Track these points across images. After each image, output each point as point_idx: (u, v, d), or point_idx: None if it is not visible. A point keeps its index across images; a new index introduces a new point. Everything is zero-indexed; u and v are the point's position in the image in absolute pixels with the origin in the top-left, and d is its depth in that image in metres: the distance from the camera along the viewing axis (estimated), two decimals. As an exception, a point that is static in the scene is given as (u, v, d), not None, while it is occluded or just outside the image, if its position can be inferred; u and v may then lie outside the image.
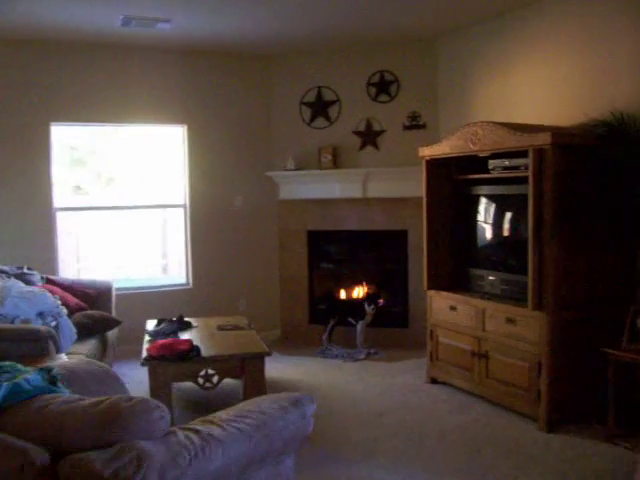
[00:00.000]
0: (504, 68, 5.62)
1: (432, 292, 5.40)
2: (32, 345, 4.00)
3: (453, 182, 5.34)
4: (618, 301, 4.43)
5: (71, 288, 5.66)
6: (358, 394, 5.27)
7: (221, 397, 5.03)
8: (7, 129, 6.06)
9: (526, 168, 4.36)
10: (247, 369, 4.57)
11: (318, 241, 7.09)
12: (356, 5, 5.23)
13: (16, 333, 4.11)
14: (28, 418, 1.99)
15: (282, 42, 6.45)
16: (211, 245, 6.91)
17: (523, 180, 4.42)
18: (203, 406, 4.98)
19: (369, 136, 6.74)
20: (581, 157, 4.30)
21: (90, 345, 5.01)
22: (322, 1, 5.11)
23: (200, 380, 4.56)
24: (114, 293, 6.01)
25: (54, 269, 6.24)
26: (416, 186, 5.73)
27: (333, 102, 6.84)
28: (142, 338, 5.07)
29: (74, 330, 4.73)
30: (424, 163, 5.31)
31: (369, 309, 6.40)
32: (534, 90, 5.28)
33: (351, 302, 6.81)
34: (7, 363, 2.39)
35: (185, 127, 6.76)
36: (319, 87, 6.85)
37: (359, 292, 6.89)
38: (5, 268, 5.38)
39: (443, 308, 5.28)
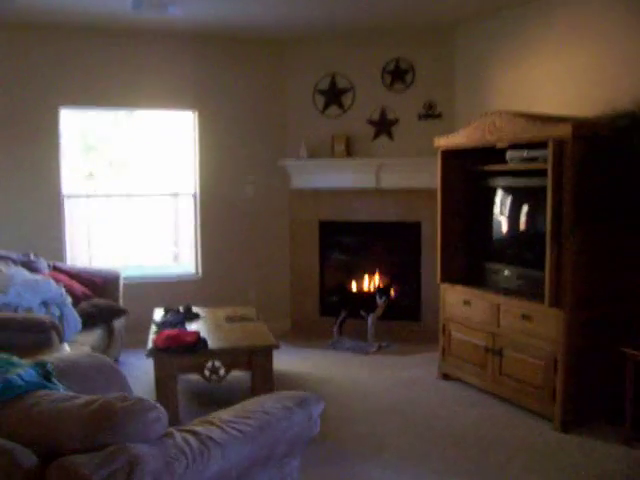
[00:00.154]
0: (522, 57, 5.45)
1: (445, 285, 5.28)
2: (35, 335, 3.91)
3: (469, 173, 5.20)
4: (638, 299, 4.28)
5: (78, 276, 5.59)
6: (368, 388, 5.16)
7: (228, 389, 4.94)
8: (16, 114, 5.98)
9: (545, 160, 4.22)
10: (255, 362, 4.47)
11: (330, 232, 6.97)
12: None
13: (19, 323, 4.02)
14: (19, 416, 1.89)
15: (294, 28, 6.31)
16: (221, 235, 6.81)
17: (541, 172, 4.28)
18: (209, 398, 4.90)
19: (383, 125, 6.61)
20: (602, 149, 4.15)
21: (96, 334, 4.94)
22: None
23: (206, 373, 4.47)
24: (122, 282, 5.93)
25: (62, 257, 6.17)
26: (430, 177, 5.61)
27: (347, 90, 6.70)
28: (150, 327, 5.00)
29: (79, 320, 4.64)
30: (439, 154, 5.17)
31: (381, 301, 6.29)
32: (553, 80, 5.12)
33: (362, 294, 6.70)
34: (1, 355, 2.30)
35: (196, 113, 6.65)
36: (333, 74, 6.71)
37: (371, 284, 6.78)
38: (11, 255, 5.31)
39: (456, 302, 5.16)
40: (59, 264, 5.75)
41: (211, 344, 4.47)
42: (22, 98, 5.98)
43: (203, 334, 4.60)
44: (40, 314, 4.22)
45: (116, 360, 5.72)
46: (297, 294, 7.09)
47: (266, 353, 4.49)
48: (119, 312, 5.35)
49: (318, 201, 6.87)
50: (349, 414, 4.60)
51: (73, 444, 1.76)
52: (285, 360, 5.71)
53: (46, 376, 2.18)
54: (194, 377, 4.81)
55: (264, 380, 4.47)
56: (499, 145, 4.67)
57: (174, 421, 4.31)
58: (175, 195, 7.06)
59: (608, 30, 4.65)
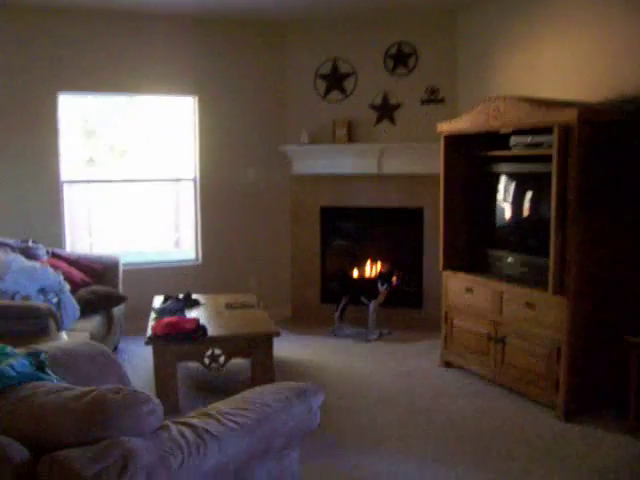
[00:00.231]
0: (527, 41, 5.36)
1: (448, 273, 5.22)
2: (32, 323, 3.86)
3: (472, 159, 5.13)
4: (643, 287, 4.23)
5: (77, 263, 5.53)
6: (369, 377, 5.12)
7: (228, 376, 4.91)
8: (13, 99, 5.90)
9: (549, 145, 4.15)
10: (255, 350, 4.43)
11: (331, 218, 6.90)
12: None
13: (15, 310, 3.97)
14: (11, 408, 1.84)
15: (295, 11, 6.22)
16: (221, 220, 6.75)
17: (546, 158, 4.21)
18: (209, 386, 4.87)
19: (385, 110, 6.52)
20: (608, 135, 4.08)
21: (95, 321, 4.89)
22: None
23: (206, 360, 4.43)
24: (121, 268, 5.87)
25: (61, 243, 6.11)
26: (433, 163, 5.53)
27: (349, 74, 6.62)
28: (150, 314, 4.95)
29: (77, 307, 4.59)
30: (442, 139, 5.10)
31: (382, 288, 6.24)
32: (558, 64, 5.02)
33: (364, 281, 6.65)
34: (-5, 345, 2.25)
35: (196, 98, 6.56)
36: (334, 58, 6.62)
37: (372, 271, 6.72)
38: (10, 241, 5.26)
39: (459, 290, 5.10)
40: (58, 250, 5.69)
41: (211, 331, 4.43)
42: (20, 83, 5.90)
43: (203, 321, 4.56)
44: (37, 302, 4.17)
45: (116, 347, 5.69)
46: (298, 281, 7.04)
47: (266, 341, 4.45)
48: (118, 299, 5.30)
49: (319, 187, 6.80)
50: (349, 403, 4.55)
51: (66, 438, 1.71)
52: (286, 347, 5.67)
53: (39, 366, 2.13)
54: (194, 364, 4.77)
55: (264, 368, 4.44)
56: (503, 130, 4.60)
57: (173, 409, 4.29)
58: (176, 180, 7.00)
59: (613, 15, 4.55)
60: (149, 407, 1.75)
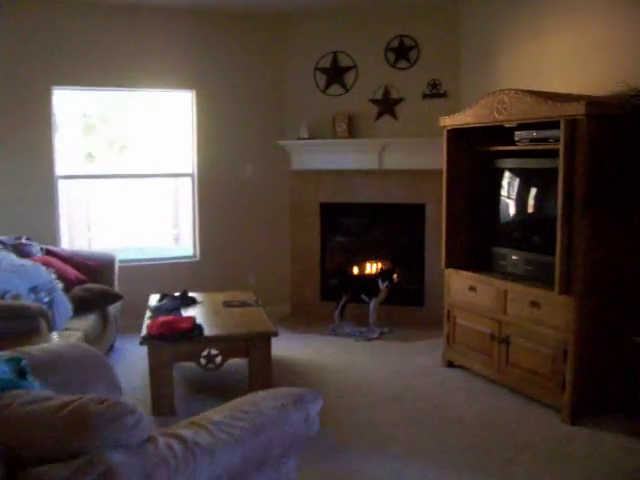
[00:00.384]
0: (531, 34, 5.22)
1: (450, 270, 5.10)
2: (22, 323, 3.75)
3: (475, 154, 5.00)
4: (652, 286, 4.12)
5: (72, 260, 5.42)
6: (370, 376, 5.01)
7: (225, 376, 4.81)
8: (7, 94, 5.77)
9: (555, 140, 4.04)
10: (252, 350, 4.32)
11: (331, 214, 6.79)
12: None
13: (5, 310, 3.84)
14: (-12, 419, 1.73)
15: (295, 3, 6.09)
16: (220, 217, 6.63)
17: (551, 153, 4.10)
18: (206, 385, 4.76)
19: (387, 104, 6.40)
20: (617, 129, 3.96)
21: (89, 320, 4.78)
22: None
23: (202, 361, 4.32)
24: (117, 265, 5.76)
25: (56, 239, 6.00)
26: (435, 158, 5.41)
27: (349, 68, 6.49)
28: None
29: (69, 306, 4.47)
30: (445, 133, 4.98)
31: (383, 286, 6.13)
32: (564, 57, 4.89)
33: (364, 278, 6.55)
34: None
35: (194, 92, 6.44)
36: (335, 52, 6.50)
37: (373, 268, 6.62)
38: (2, 238, 5.14)
39: (462, 288, 4.98)
40: (52, 248, 5.57)
41: (207, 331, 4.32)
42: (13, 77, 5.77)
43: (199, 320, 4.46)
44: (28, 301, 4.05)
45: (112, 346, 5.59)
46: (297, 278, 6.93)
47: (264, 340, 4.34)
48: (113, 297, 5.18)
49: (319, 182, 6.68)
50: (349, 404, 4.44)
51: (45, 452, 1.59)
52: (284, 346, 5.57)
53: (20, 373, 2.01)
54: (190, 363, 4.66)
55: (262, 368, 4.34)
56: (507, 124, 4.49)
57: (169, 410, 4.21)
58: (176, 176, 6.89)
59: (620, 6, 4.42)
60: (134, 418, 1.63)
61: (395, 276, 6.29)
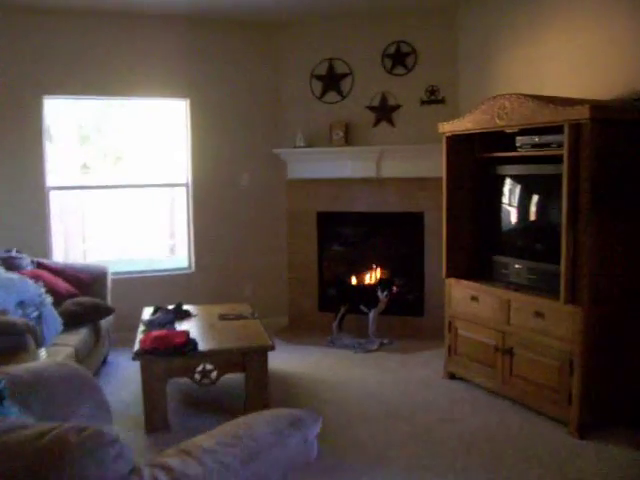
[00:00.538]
0: (530, 38, 5.12)
1: (451, 280, 4.98)
2: (8, 339, 3.60)
3: (476, 161, 4.89)
4: (660, 294, 3.99)
5: (63, 273, 5.29)
6: (369, 390, 4.87)
7: (221, 391, 4.66)
8: (-4, 102, 5.67)
9: (558, 146, 3.94)
10: (248, 364, 4.19)
11: (329, 223, 6.67)
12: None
13: (-11, 326, 3.72)
14: (-39, 448, 1.59)
15: (290, 10, 5.98)
16: (215, 227, 6.51)
17: (554, 159, 4.00)
18: (201, 401, 4.62)
19: (384, 111, 6.29)
20: (622, 134, 3.86)
21: (80, 335, 4.65)
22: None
23: (197, 377, 4.19)
24: (109, 278, 5.62)
25: (47, 252, 5.87)
26: (434, 165, 5.31)
27: (346, 75, 6.39)
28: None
29: (59, 320, 4.33)
30: (444, 140, 4.86)
31: (382, 296, 6.01)
32: (564, 61, 4.78)
33: (363, 288, 6.43)
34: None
35: (188, 101, 6.32)
36: (331, 59, 6.40)
37: (372, 278, 6.49)
38: (-10, 251, 5.01)
39: (463, 298, 4.86)
40: (43, 260, 5.44)
41: (202, 345, 4.19)
42: (2, 86, 5.65)
43: (194, 334, 4.33)
44: (15, 316, 3.91)
45: (105, 360, 5.46)
46: (295, 288, 6.81)
47: (260, 355, 4.21)
48: (105, 311, 5.05)
49: (316, 191, 6.57)
50: (348, 418, 4.30)
51: (20, 487, 1.46)
52: (282, 358, 5.44)
53: (-2, 397, 1.89)
54: (185, 379, 4.53)
55: (258, 383, 4.21)
56: (509, 130, 4.38)
57: (163, 426, 4.07)
58: (170, 186, 6.77)
59: (625, 8, 4.31)
60: (117, 449, 1.49)
61: (394, 286, 6.17)
